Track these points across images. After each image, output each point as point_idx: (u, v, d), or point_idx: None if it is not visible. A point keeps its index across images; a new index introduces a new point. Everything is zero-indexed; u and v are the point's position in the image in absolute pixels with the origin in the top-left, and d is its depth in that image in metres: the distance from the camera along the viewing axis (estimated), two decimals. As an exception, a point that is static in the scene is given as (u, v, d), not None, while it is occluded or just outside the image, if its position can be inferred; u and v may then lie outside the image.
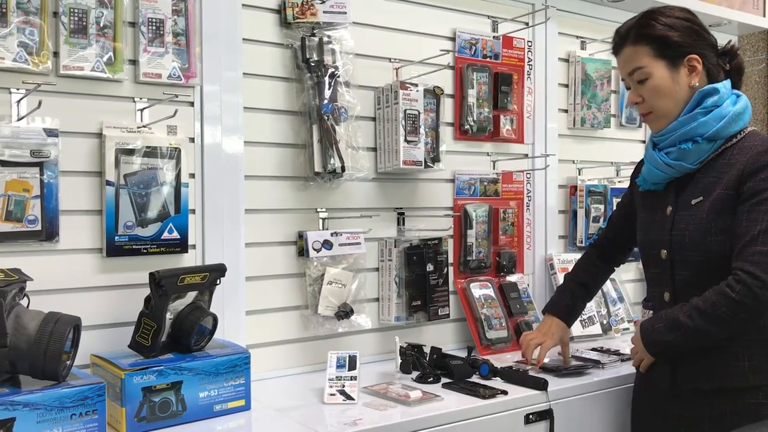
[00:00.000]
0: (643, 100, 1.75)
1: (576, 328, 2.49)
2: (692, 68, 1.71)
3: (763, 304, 1.56)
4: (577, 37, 2.71)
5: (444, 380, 1.91)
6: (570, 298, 2.10)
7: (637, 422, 1.90)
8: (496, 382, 1.90)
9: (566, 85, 2.69)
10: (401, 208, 2.26)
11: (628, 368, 2.01)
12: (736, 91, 1.74)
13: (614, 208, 2.49)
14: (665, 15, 1.73)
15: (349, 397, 1.73)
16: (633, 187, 1.97)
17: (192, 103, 1.88)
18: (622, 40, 1.78)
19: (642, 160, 1.95)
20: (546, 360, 2.11)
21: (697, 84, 1.72)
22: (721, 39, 3.08)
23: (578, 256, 2.59)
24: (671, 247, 1.73)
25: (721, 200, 1.66)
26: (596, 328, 2.52)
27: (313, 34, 2.04)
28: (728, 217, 1.64)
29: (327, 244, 2.05)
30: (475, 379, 1.93)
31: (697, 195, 1.70)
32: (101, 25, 1.72)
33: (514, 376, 1.91)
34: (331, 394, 1.74)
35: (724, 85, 1.72)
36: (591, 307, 2.53)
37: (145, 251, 1.78)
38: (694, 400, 1.70)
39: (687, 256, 1.70)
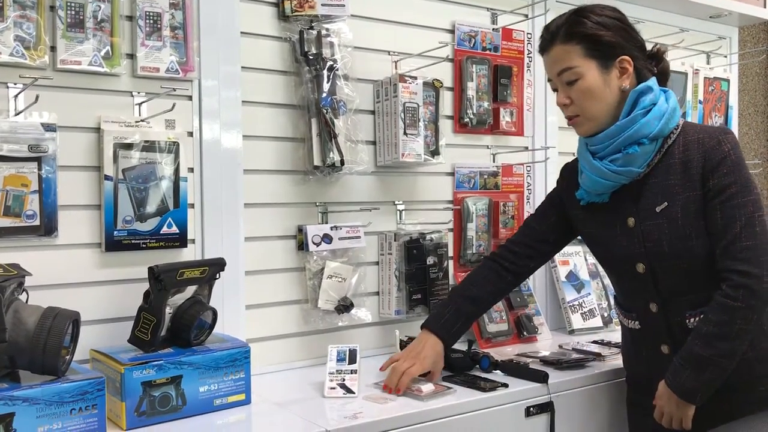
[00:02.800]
0: (571, 102, 1.68)
1: (577, 321, 2.49)
2: (623, 70, 1.66)
3: (767, 296, 1.54)
4: (577, 29, 2.69)
5: (444, 373, 1.91)
6: (453, 314, 1.85)
7: (633, 418, 1.87)
8: (497, 375, 1.89)
9: (566, 78, 2.68)
10: (401, 202, 2.26)
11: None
12: (662, 88, 1.70)
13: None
14: (596, 13, 1.66)
15: (349, 391, 1.73)
16: (564, 195, 1.88)
17: (190, 97, 1.87)
18: (552, 37, 1.69)
19: (567, 166, 1.91)
20: (546, 353, 2.12)
21: (628, 86, 1.66)
22: (721, 30, 3.13)
23: (579, 249, 2.61)
24: (648, 259, 1.68)
25: (693, 202, 1.61)
26: (597, 321, 2.51)
27: (312, 27, 2.03)
28: (703, 218, 1.61)
29: (327, 238, 2.05)
30: (475, 372, 1.93)
31: (660, 201, 1.65)
32: (98, 19, 1.71)
33: (515, 368, 1.91)
34: (332, 388, 1.74)
35: (655, 83, 1.68)
36: (592, 300, 2.53)
37: (144, 246, 1.78)
38: None
39: (669, 265, 1.65)
